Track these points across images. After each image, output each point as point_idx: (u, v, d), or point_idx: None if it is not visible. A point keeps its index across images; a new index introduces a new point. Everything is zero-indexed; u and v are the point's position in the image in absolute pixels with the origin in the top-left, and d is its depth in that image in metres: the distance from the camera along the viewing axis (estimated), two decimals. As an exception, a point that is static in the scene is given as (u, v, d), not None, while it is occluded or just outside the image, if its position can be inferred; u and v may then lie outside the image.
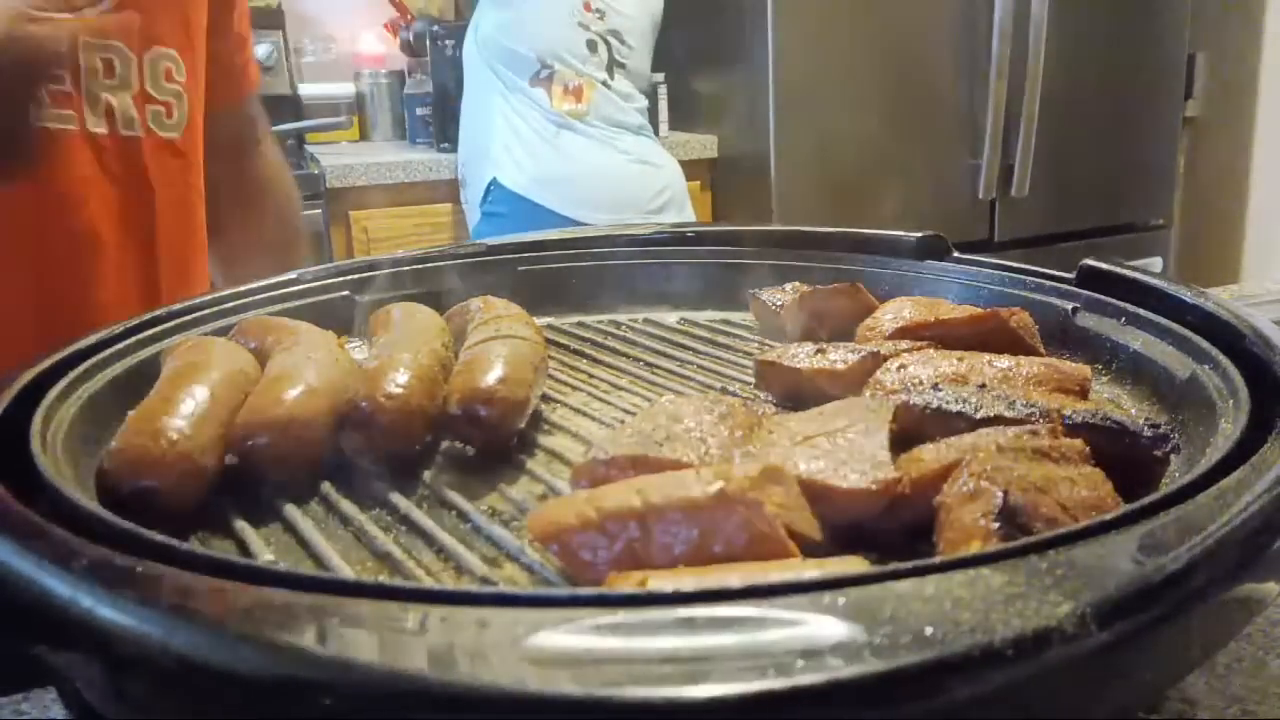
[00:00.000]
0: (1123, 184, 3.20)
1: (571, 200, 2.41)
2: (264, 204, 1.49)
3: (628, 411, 0.79)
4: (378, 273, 1.01)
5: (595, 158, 2.49)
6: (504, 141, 2.49)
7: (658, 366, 0.91)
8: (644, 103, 2.69)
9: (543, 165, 2.45)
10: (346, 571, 0.56)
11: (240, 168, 1.44)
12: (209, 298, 0.91)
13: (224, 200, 1.44)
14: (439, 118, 2.96)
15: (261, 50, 3.06)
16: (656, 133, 2.81)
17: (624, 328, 1.03)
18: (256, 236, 1.49)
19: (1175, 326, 0.74)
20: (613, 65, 2.58)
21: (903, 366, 0.73)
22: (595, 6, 2.53)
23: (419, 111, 3.08)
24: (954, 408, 0.62)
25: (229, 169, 1.41)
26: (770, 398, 0.80)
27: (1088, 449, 0.56)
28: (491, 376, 0.71)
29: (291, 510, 0.64)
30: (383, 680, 0.35)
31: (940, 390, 0.64)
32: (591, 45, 2.54)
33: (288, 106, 3.09)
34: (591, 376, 0.89)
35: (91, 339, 0.78)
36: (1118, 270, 0.84)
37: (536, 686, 0.34)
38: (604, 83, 2.54)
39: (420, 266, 1.04)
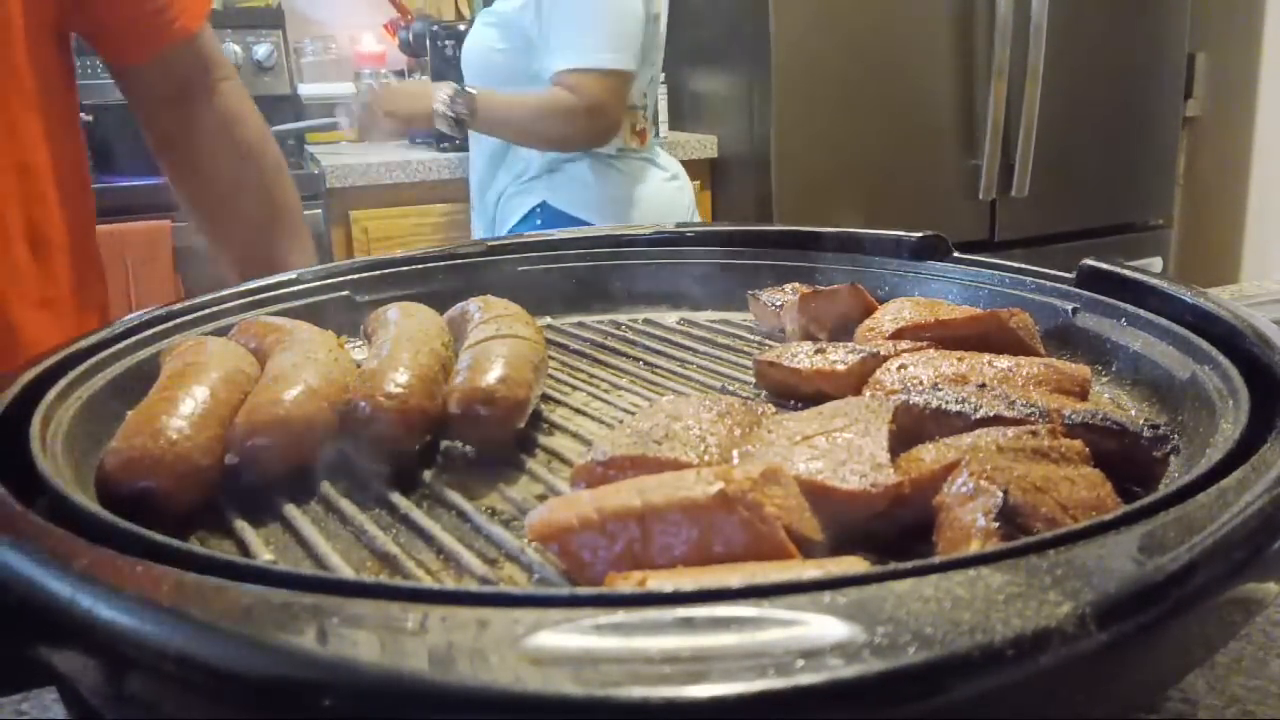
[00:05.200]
0: (1123, 184, 3.20)
1: (620, 220, 2.30)
2: (224, 157, 1.36)
3: (628, 411, 0.79)
4: (378, 273, 1.01)
5: (644, 179, 2.39)
6: (556, 165, 2.32)
7: (658, 366, 0.91)
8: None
9: (598, 190, 2.31)
10: (346, 571, 0.56)
11: (188, 119, 1.33)
12: (209, 297, 0.91)
13: (180, 160, 1.35)
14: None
15: (261, 50, 3.07)
16: (657, 134, 2.70)
17: (624, 328, 1.03)
18: (229, 201, 1.37)
19: (1175, 326, 0.74)
20: (653, 86, 2.45)
21: (903, 367, 0.73)
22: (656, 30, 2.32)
23: (419, 112, 3.08)
24: (954, 408, 0.62)
25: (175, 122, 1.32)
26: (770, 397, 0.80)
27: (1087, 449, 0.56)
28: (491, 376, 0.71)
29: (291, 510, 0.64)
30: (383, 680, 0.35)
31: (940, 390, 0.64)
32: (654, 79, 2.40)
33: (288, 106, 3.09)
34: (591, 376, 0.89)
35: (91, 339, 0.78)
36: (1118, 270, 0.84)
37: (536, 686, 0.34)
38: (648, 109, 2.41)
39: (420, 266, 1.04)
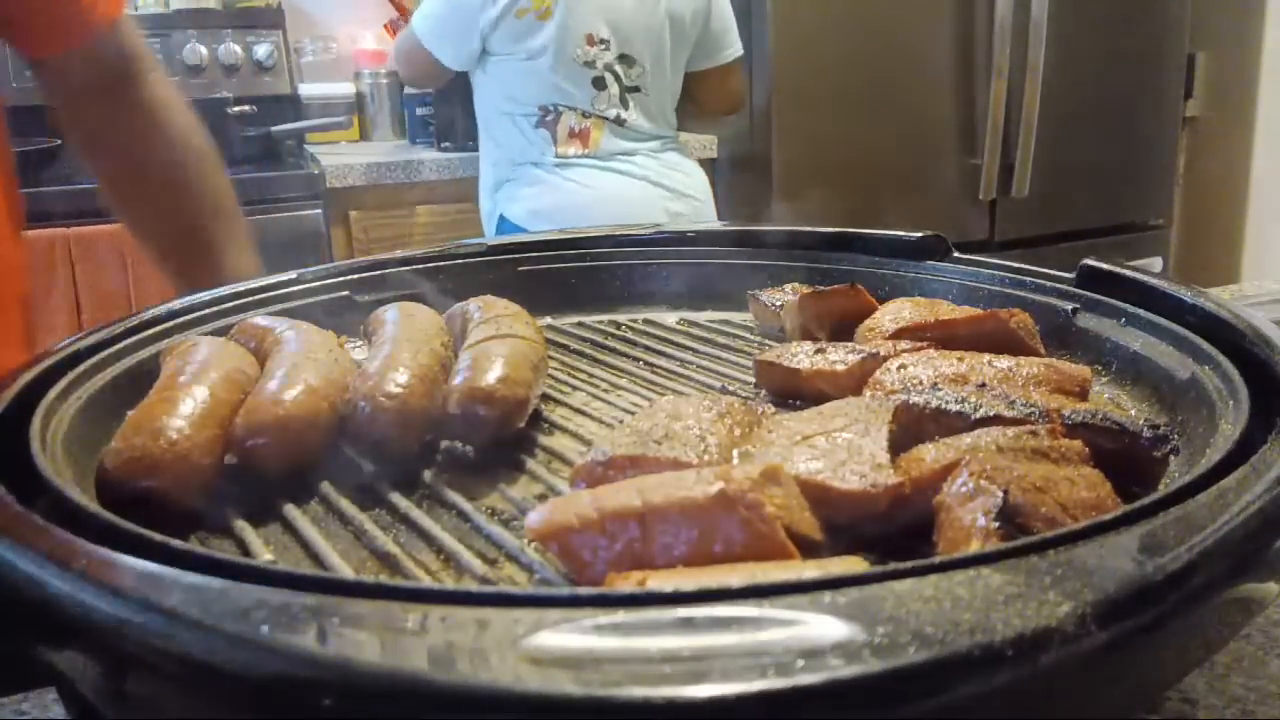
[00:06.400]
0: (1123, 184, 3.20)
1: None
2: (155, 150, 1.29)
3: (628, 411, 0.79)
4: (378, 273, 1.01)
5: (600, 184, 2.33)
6: (508, 175, 2.38)
7: (658, 366, 0.91)
8: (668, 120, 2.47)
9: (544, 198, 2.32)
10: (346, 571, 0.56)
11: (115, 112, 1.26)
12: (209, 297, 0.91)
13: (109, 155, 1.30)
14: (440, 118, 2.96)
15: (261, 50, 3.07)
16: (668, 140, 2.52)
17: (624, 328, 1.03)
18: (163, 195, 1.30)
19: (1175, 327, 0.74)
20: (626, 95, 2.35)
21: (903, 367, 0.73)
22: (600, 37, 2.28)
23: (419, 111, 3.09)
24: (954, 407, 0.62)
25: (101, 116, 1.26)
26: (770, 397, 0.80)
27: (1087, 449, 0.56)
28: (491, 376, 0.71)
29: (291, 510, 0.64)
30: (383, 680, 0.35)
31: (940, 390, 0.64)
32: (599, 82, 2.31)
33: (288, 106, 3.09)
34: (591, 376, 0.89)
35: (91, 339, 0.78)
36: (1118, 270, 0.84)
37: (536, 686, 0.34)
38: (617, 118, 2.34)
39: (420, 266, 1.04)
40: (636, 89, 2.37)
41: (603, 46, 2.30)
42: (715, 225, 1.22)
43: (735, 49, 2.53)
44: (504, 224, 2.40)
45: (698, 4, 2.40)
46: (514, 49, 2.26)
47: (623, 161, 2.37)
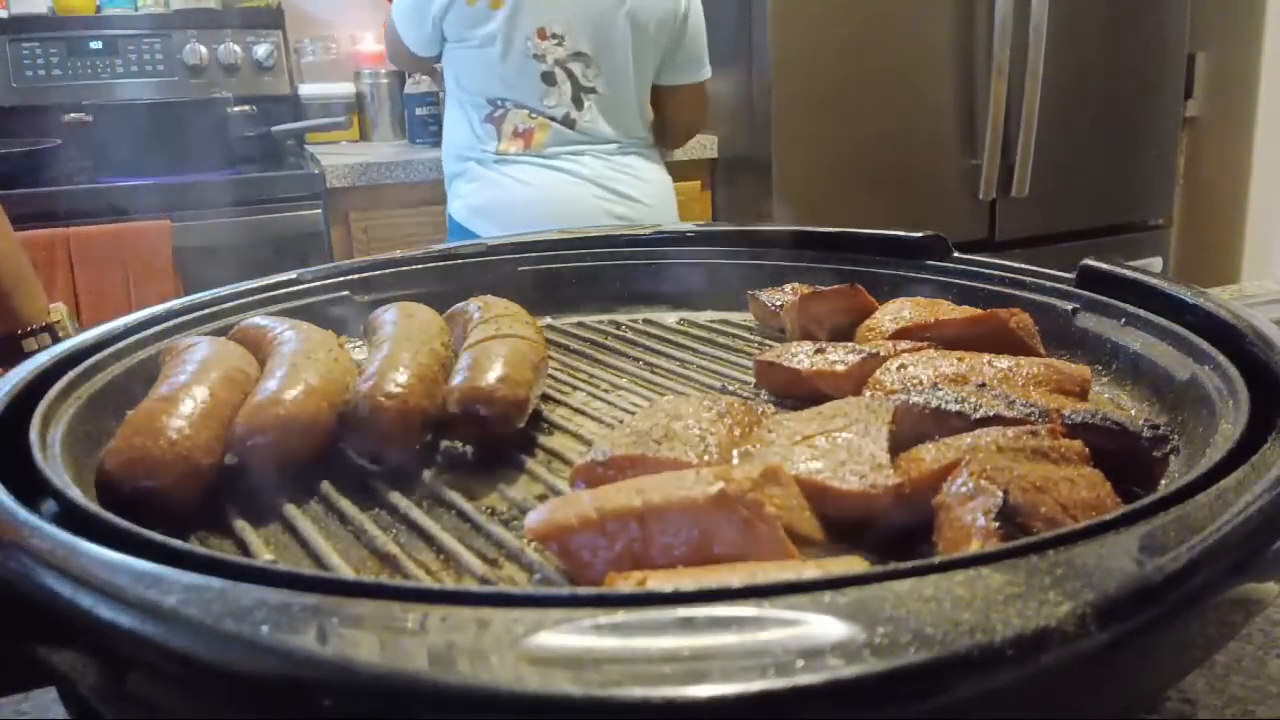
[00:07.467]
0: (1123, 184, 3.20)
1: (504, 228, 2.17)
2: None
3: (628, 411, 0.79)
4: (378, 273, 1.01)
5: (540, 182, 2.26)
6: (456, 170, 2.35)
7: (658, 366, 0.91)
8: (632, 124, 2.35)
9: (483, 193, 2.28)
10: (346, 571, 0.56)
11: None
12: (209, 297, 0.91)
13: None
14: (441, 117, 2.96)
15: (261, 50, 3.07)
16: (645, 141, 2.42)
17: (624, 328, 1.03)
18: None
19: (1175, 327, 0.74)
20: (580, 95, 2.27)
21: (903, 367, 0.73)
22: (552, 32, 2.20)
23: (419, 111, 3.09)
24: (953, 407, 0.62)
25: None
26: (770, 398, 0.80)
27: (1087, 449, 0.56)
28: (491, 376, 0.71)
29: (291, 510, 0.64)
30: (383, 680, 0.35)
31: (940, 390, 0.64)
32: (549, 78, 2.23)
33: (287, 106, 3.09)
34: (591, 376, 0.89)
35: (91, 339, 0.78)
36: (1118, 270, 0.84)
37: (536, 686, 0.34)
38: (566, 118, 2.26)
39: (420, 266, 1.04)
40: (593, 90, 2.28)
41: (555, 41, 2.23)
42: (715, 225, 1.22)
43: (703, 73, 2.45)
44: (450, 223, 2.34)
45: (664, 14, 2.29)
46: (466, 35, 2.22)
47: (568, 160, 2.29)
